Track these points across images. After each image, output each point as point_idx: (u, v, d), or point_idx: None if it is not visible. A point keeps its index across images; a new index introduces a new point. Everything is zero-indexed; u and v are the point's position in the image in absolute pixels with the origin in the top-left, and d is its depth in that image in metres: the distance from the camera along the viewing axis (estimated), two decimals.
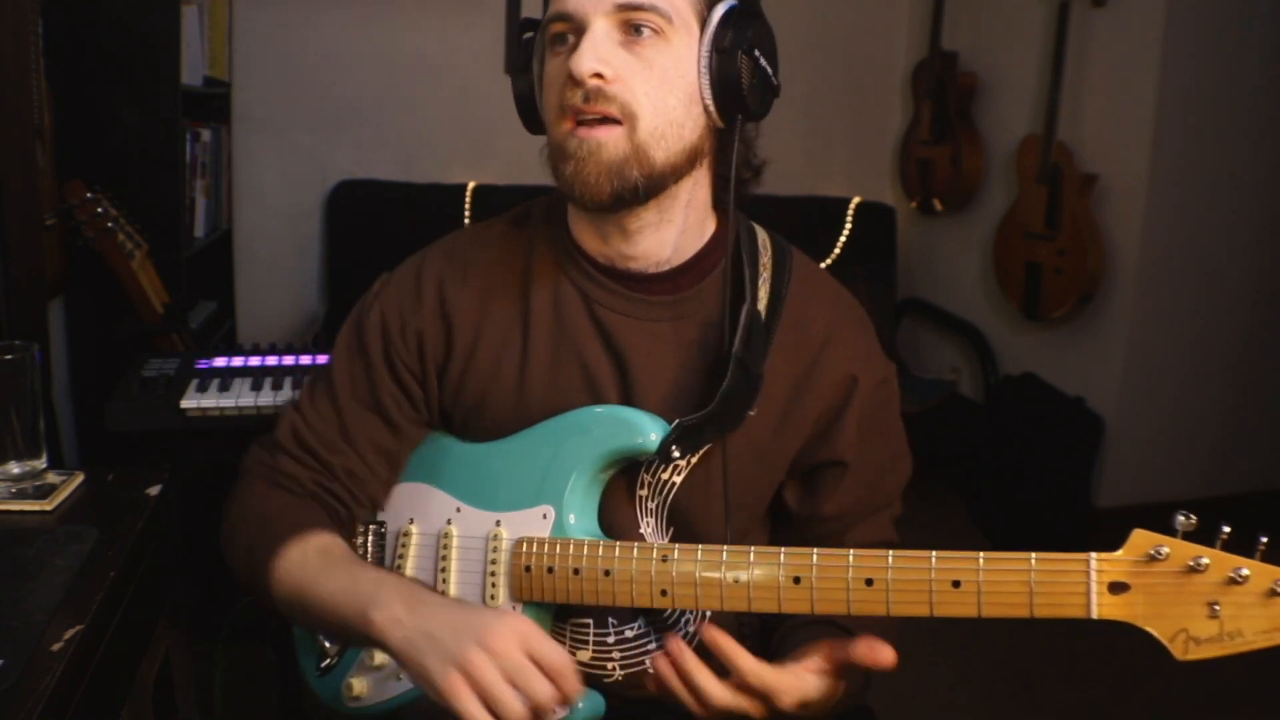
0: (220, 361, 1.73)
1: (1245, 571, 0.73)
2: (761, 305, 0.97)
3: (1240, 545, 0.74)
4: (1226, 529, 0.74)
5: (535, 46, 0.97)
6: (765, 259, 1.01)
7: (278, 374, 1.68)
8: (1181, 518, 0.75)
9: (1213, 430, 2.77)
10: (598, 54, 0.87)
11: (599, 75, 0.88)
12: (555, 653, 0.80)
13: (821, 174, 3.45)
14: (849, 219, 3.29)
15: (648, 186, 0.91)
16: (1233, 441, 2.79)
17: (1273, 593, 0.72)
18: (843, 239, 3.28)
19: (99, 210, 1.96)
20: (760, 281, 0.98)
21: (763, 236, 1.04)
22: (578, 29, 0.90)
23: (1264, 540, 0.74)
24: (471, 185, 3.02)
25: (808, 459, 1.02)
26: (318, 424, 1.02)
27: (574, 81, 0.88)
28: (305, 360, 1.74)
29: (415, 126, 3.07)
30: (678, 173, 0.93)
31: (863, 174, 3.52)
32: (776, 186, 3.90)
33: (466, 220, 3.00)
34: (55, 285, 2.04)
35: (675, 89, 0.90)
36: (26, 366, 1.10)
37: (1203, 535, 0.75)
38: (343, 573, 0.90)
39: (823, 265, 3.21)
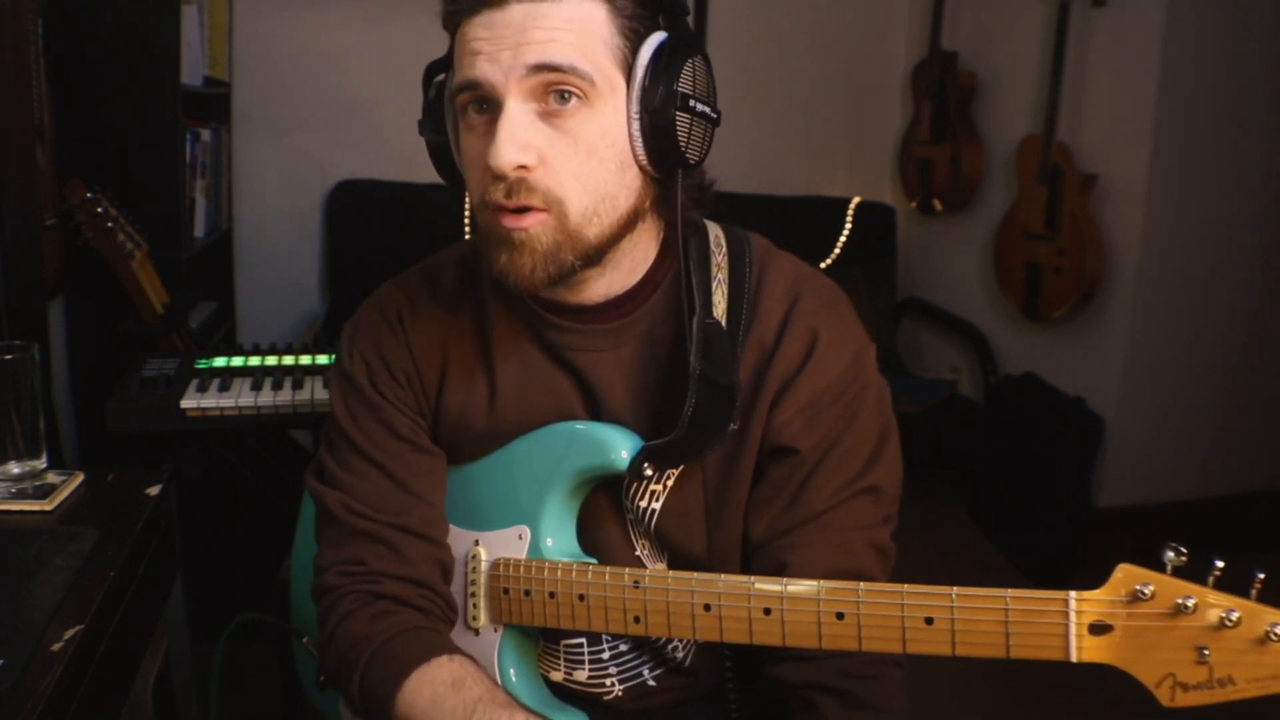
0: (220, 361, 1.73)
1: (1236, 615, 0.67)
2: (720, 311, 0.90)
3: (1235, 581, 0.68)
4: (1220, 564, 0.68)
5: (447, 98, 0.88)
6: (720, 257, 0.93)
7: (278, 374, 1.68)
8: (1171, 553, 0.69)
9: (1213, 430, 2.77)
10: (517, 141, 0.79)
11: (522, 166, 0.79)
12: None
13: (821, 174, 3.46)
14: (849, 219, 3.30)
15: (585, 264, 0.85)
16: (1233, 441, 2.79)
17: (1267, 638, 0.66)
18: (843, 239, 3.29)
19: (99, 210, 1.96)
20: (714, 285, 0.91)
21: (715, 232, 0.96)
22: (490, 102, 0.81)
23: (1260, 577, 0.68)
24: None
25: (764, 445, 0.91)
26: (366, 489, 0.95)
27: (494, 174, 0.80)
28: (305, 360, 1.74)
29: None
30: (617, 240, 0.86)
31: (863, 174, 3.51)
32: (776, 186, 3.89)
33: (466, 221, 3.00)
34: (55, 285, 2.04)
35: (605, 160, 0.82)
36: (26, 366, 1.10)
37: (1195, 568, 0.69)
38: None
39: (822, 265, 3.24)
